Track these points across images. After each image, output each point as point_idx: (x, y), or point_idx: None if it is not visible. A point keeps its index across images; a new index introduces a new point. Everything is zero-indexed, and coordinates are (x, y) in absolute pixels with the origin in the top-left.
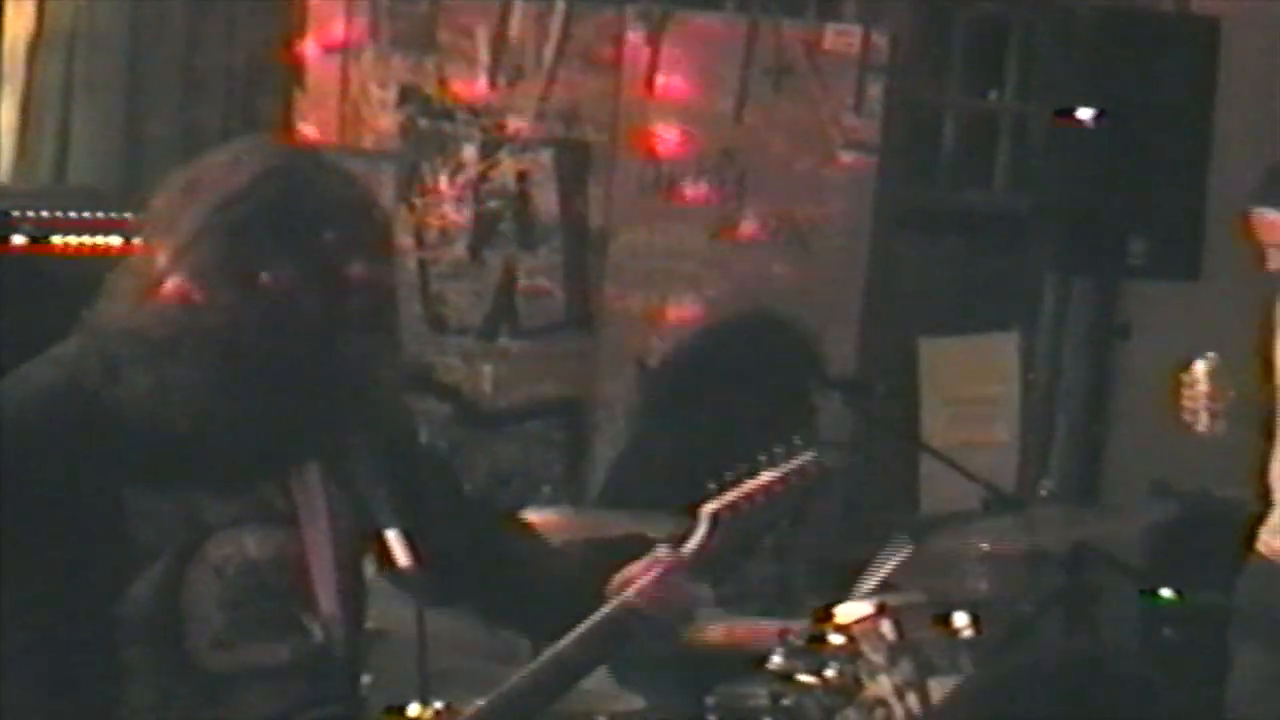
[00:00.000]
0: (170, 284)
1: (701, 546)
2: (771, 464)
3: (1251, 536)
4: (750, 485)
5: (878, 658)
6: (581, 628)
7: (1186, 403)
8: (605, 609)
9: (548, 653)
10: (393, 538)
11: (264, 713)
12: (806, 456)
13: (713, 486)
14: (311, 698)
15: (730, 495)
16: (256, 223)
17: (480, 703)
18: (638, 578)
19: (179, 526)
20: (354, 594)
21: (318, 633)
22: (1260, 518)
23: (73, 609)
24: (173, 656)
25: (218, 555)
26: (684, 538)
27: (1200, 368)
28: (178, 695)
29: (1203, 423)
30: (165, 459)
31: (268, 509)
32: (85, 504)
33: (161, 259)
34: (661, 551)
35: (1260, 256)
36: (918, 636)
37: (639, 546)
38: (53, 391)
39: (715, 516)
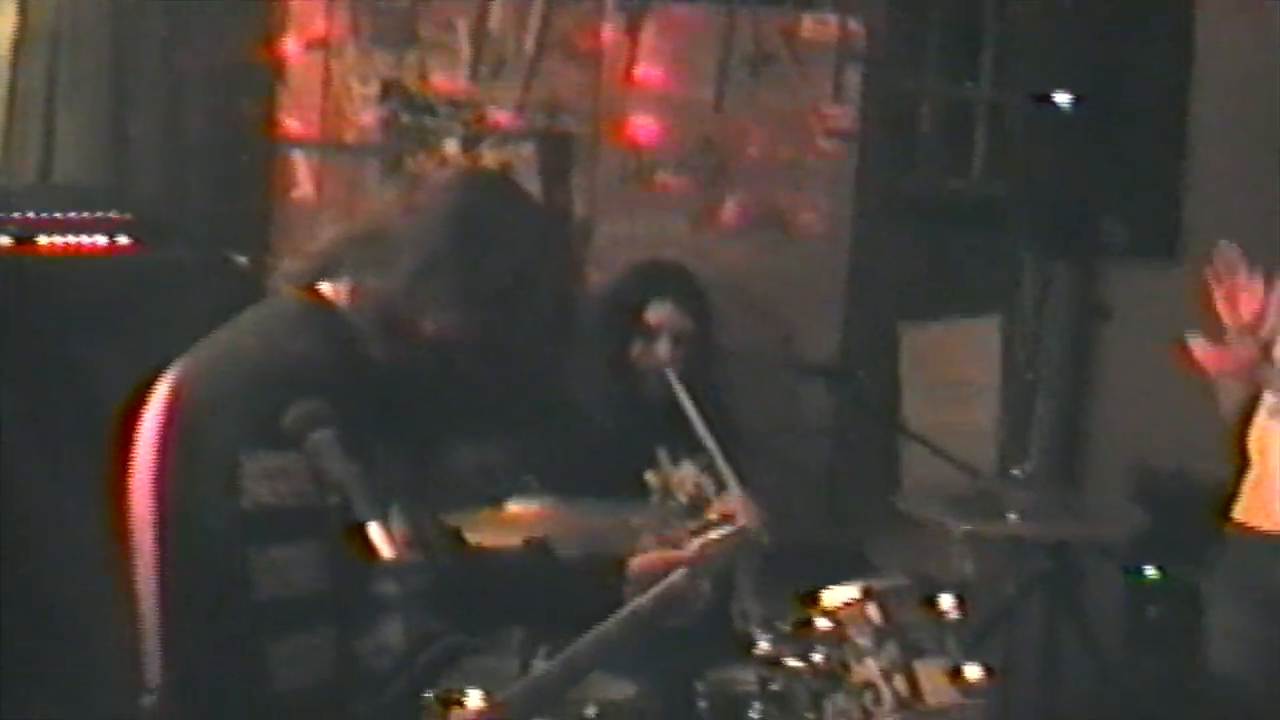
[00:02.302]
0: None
1: (669, 587)
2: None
3: (1227, 505)
4: (703, 540)
5: (864, 641)
6: (603, 626)
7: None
8: (631, 606)
9: (569, 650)
10: (374, 530)
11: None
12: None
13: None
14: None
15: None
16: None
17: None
18: (658, 571)
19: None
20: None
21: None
22: (1235, 485)
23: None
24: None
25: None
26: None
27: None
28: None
29: (1239, 389)
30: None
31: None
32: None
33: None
34: (678, 548)
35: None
36: (903, 619)
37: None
38: (304, 349)
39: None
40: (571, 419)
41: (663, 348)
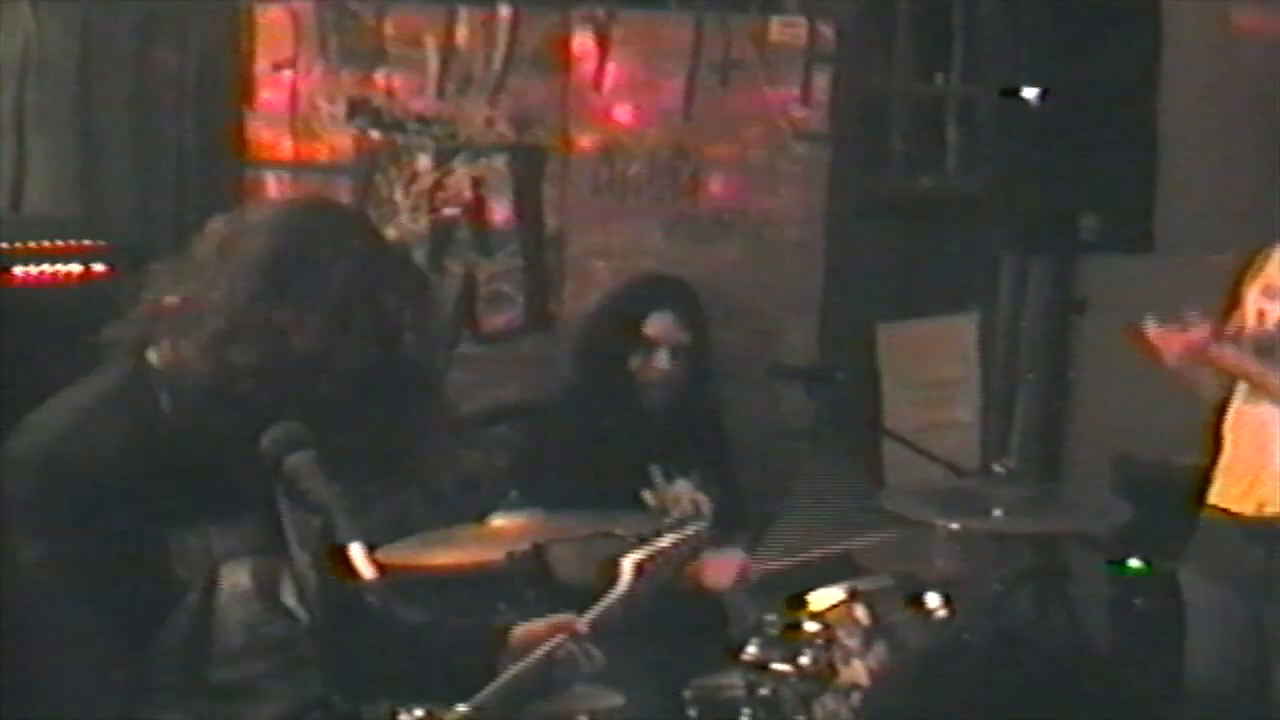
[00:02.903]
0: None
1: (629, 594)
2: (671, 529)
3: (1202, 491)
4: (659, 544)
5: (852, 643)
6: (489, 689)
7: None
8: (510, 672)
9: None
10: (355, 551)
11: (265, 716)
12: (699, 525)
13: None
14: (306, 700)
15: (645, 550)
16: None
17: None
18: (535, 640)
19: (202, 560)
20: (333, 605)
21: (305, 646)
22: (1209, 471)
23: (119, 642)
24: (200, 677)
25: (228, 584)
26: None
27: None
28: (198, 710)
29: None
30: (195, 495)
31: (254, 539)
32: (137, 542)
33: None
34: (567, 620)
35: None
36: (891, 619)
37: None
38: (114, 434)
39: (640, 566)
40: (565, 431)
41: (661, 360)
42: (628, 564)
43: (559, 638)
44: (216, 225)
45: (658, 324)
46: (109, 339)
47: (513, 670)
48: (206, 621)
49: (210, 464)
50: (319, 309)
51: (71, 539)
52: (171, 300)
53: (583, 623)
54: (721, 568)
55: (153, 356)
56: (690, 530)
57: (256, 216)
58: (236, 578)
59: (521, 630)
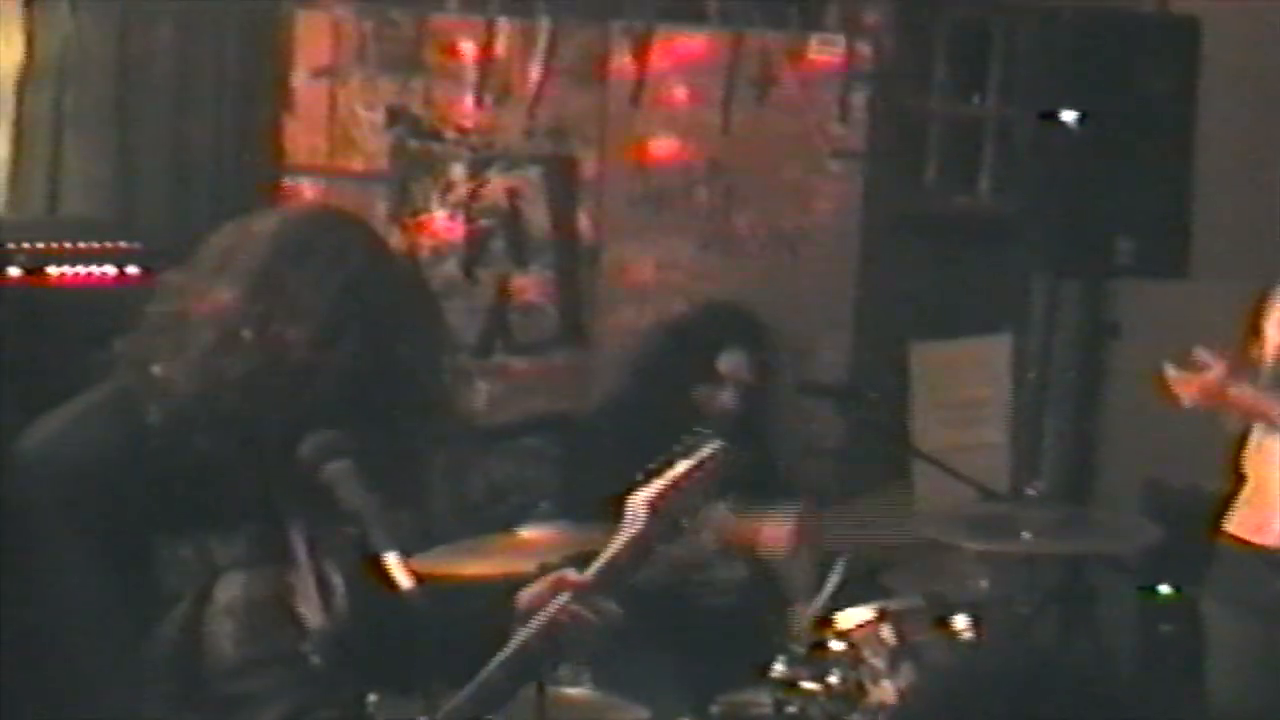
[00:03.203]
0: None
1: (641, 535)
2: (684, 455)
3: (1220, 518)
4: (671, 475)
5: (879, 663)
6: (495, 661)
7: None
8: (515, 642)
9: (470, 686)
10: (392, 561)
11: None
12: (715, 445)
13: (639, 477)
14: (308, 710)
15: (657, 485)
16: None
17: None
18: (540, 603)
19: (196, 569)
20: (345, 618)
21: (314, 657)
22: (1230, 499)
23: (103, 652)
24: (193, 689)
25: (226, 596)
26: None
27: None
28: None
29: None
30: (187, 504)
31: (263, 549)
32: (120, 551)
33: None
34: (564, 575)
35: None
36: (918, 640)
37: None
38: (99, 443)
39: (651, 505)
40: (600, 444)
41: (727, 399)
42: (639, 501)
43: (562, 598)
44: (220, 235)
45: (730, 363)
46: (117, 351)
47: (514, 642)
48: (197, 632)
49: (199, 476)
50: (308, 322)
51: (55, 543)
52: (170, 310)
53: (581, 577)
54: (775, 532)
55: (156, 370)
56: (705, 453)
57: (260, 225)
58: (234, 589)
59: (525, 595)
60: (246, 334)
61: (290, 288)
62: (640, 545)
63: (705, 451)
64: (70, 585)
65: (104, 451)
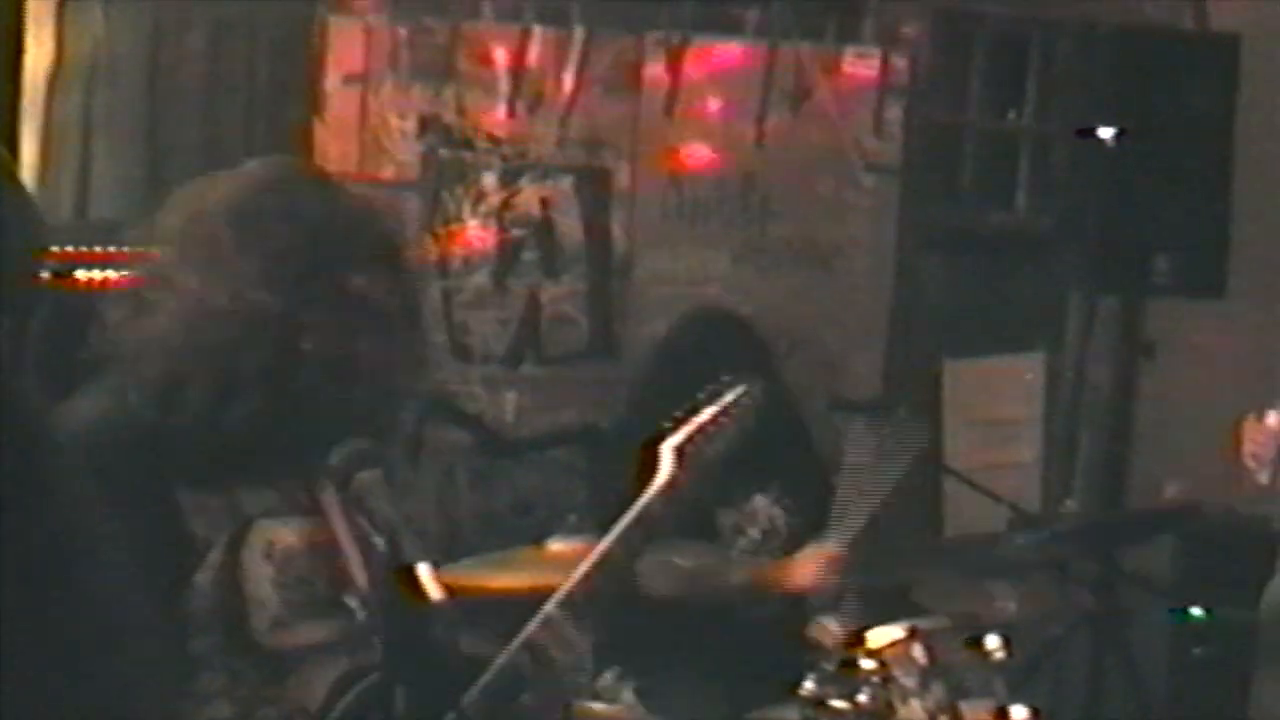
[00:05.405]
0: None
1: (672, 480)
2: (708, 401)
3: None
4: (697, 420)
5: (909, 682)
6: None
7: (1251, 451)
8: (498, 662)
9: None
10: (424, 572)
11: (320, 685)
12: (738, 390)
13: (666, 425)
14: (361, 670)
15: (684, 431)
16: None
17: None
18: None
19: (226, 517)
20: (383, 581)
21: (359, 611)
22: None
23: (141, 607)
24: (239, 640)
25: (262, 541)
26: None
27: (1275, 419)
28: (245, 676)
29: (1265, 476)
30: (212, 459)
31: (295, 502)
32: (144, 509)
33: (193, 279)
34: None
35: None
36: (949, 659)
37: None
38: (109, 418)
39: (679, 450)
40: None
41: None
42: (666, 450)
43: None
44: (172, 211)
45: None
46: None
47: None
48: (235, 576)
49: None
50: (278, 284)
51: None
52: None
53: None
54: (806, 566)
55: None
56: (730, 397)
57: (212, 197)
58: (269, 534)
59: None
60: (221, 302)
61: (256, 252)
62: (671, 493)
63: (730, 396)
64: (102, 541)
65: (113, 421)
